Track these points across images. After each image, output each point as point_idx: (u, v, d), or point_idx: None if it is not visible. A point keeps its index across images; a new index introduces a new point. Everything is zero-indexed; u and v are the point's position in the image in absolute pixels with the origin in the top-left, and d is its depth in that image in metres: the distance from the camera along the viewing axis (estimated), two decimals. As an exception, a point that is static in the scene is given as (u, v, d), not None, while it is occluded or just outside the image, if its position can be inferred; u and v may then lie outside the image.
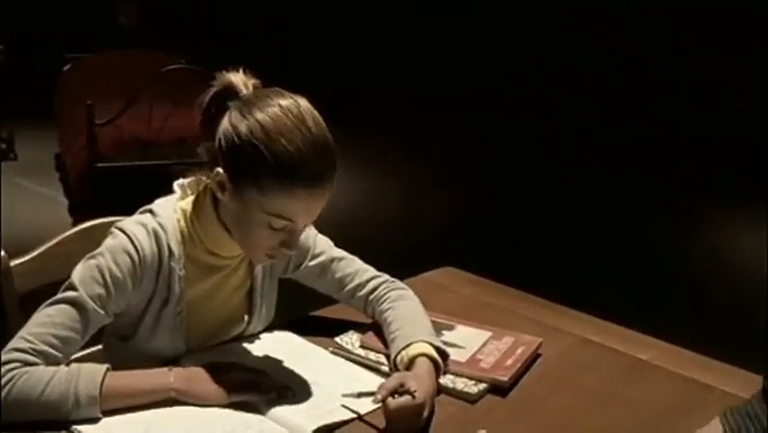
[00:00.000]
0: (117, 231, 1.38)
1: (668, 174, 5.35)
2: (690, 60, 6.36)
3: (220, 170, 1.31)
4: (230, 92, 1.33)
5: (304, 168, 1.27)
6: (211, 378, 1.33)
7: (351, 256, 1.60)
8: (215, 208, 1.38)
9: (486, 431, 1.26)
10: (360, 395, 1.36)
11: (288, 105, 1.29)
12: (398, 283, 1.59)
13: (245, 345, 1.53)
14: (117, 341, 1.45)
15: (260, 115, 1.28)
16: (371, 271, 1.60)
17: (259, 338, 1.55)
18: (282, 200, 1.28)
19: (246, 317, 1.53)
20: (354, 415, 1.32)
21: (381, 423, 1.29)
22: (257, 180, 1.28)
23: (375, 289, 1.57)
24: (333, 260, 1.58)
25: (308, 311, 1.70)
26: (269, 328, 1.58)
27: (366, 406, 1.34)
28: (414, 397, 1.27)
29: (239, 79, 1.35)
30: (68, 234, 1.68)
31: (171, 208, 1.42)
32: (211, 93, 1.35)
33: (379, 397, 1.27)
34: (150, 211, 1.42)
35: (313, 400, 1.35)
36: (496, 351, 1.50)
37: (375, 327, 1.56)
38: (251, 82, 1.36)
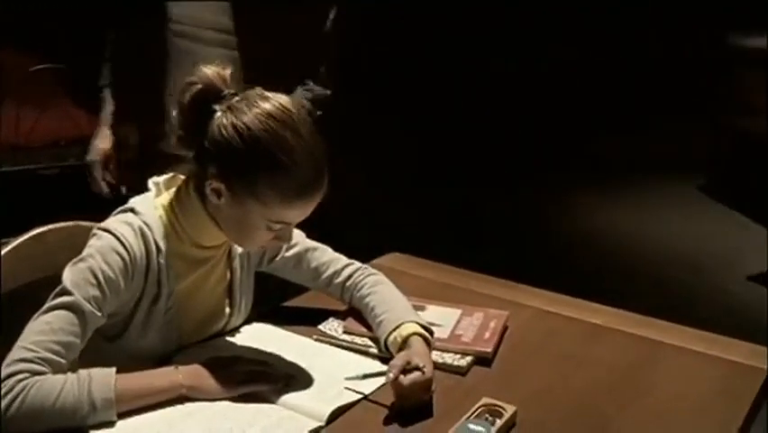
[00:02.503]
0: (102, 232, 1.37)
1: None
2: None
3: (215, 179, 1.33)
4: (212, 91, 1.34)
5: (304, 180, 1.31)
6: (218, 372, 1.34)
7: (323, 246, 1.65)
8: (202, 200, 1.39)
9: (490, 399, 1.35)
10: (365, 377, 1.41)
11: (281, 115, 1.31)
12: (371, 269, 1.65)
13: (230, 339, 1.54)
14: (102, 342, 1.42)
15: (255, 128, 1.29)
16: (344, 258, 1.65)
17: (240, 332, 1.57)
18: (283, 210, 1.33)
19: (227, 311, 1.54)
20: (360, 396, 1.38)
21: (387, 401, 1.35)
22: (257, 194, 1.31)
23: (351, 276, 1.62)
24: (307, 250, 1.62)
25: (274, 303, 1.73)
26: (246, 322, 1.60)
27: (369, 386, 1.40)
28: (423, 372, 1.34)
29: (217, 75, 1.35)
30: (20, 241, 1.63)
31: (152, 205, 1.42)
32: (193, 92, 1.34)
33: (391, 375, 1.33)
34: (132, 210, 1.40)
35: (316, 387, 1.39)
36: (471, 326, 1.60)
37: (353, 313, 1.61)
38: (228, 74, 1.37)
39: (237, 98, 1.34)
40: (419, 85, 6.22)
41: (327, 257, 1.64)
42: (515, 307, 1.73)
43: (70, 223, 1.73)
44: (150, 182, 1.47)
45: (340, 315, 1.63)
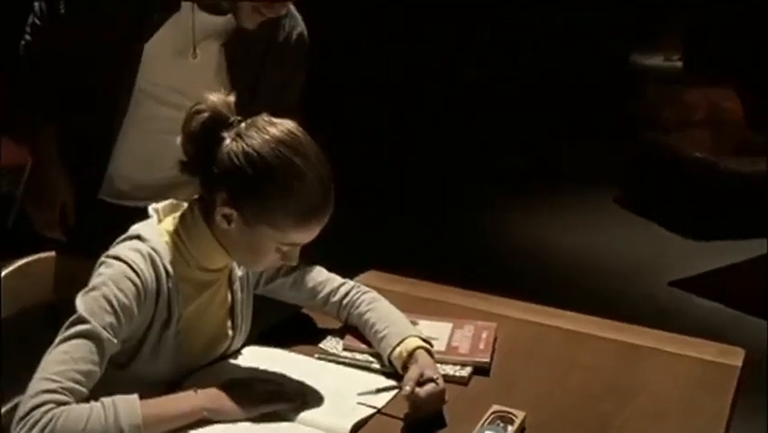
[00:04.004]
0: (112, 260, 1.37)
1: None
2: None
3: (226, 206, 1.35)
4: (219, 118, 1.37)
5: (315, 203, 1.35)
6: (237, 394, 1.36)
7: (317, 266, 1.68)
8: (208, 225, 1.41)
9: (499, 406, 1.41)
10: (378, 391, 1.46)
11: (290, 141, 1.35)
12: (365, 287, 1.69)
13: (234, 361, 1.56)
14: (111, 370, 1.41)
15: (266, 154, 1.33)
16: (338, 277, 1.70)
17: (242, 354, 1.59)
18: (296, 234, 1.37)
19: (230, 333, 1.56)
20: (374, 409, 1.42)
21: (399, 413, 1.41)
22: (270, 220, 1.34)
23: (347, 294, 1.66)
24: (303, 271, 1.65)
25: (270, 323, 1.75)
26: (245, 343, 1.61)
27: (381, 400, 1.45)
28: (437, 384, 1.40)
29: (224, 103, 1.39)
30: (4, 273, 1.62)
31: (157, 232, 1.43)
32: (201, 119, 1.37)
33: (408, 388, 1.38)
34: (138, 237, 1.41)
35: (330, 403, 1.42)
36: (465, 338, 1.66)
37: (350, 330, 1.65)
38: (232, 101, 1.40)
39: (244, 125, 1.37)
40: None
41: (323, 277, 1.67)
42: (493, 317, 1.79)
43: (50, 253, 1.73)
44: (151, 209, 1.48)
45: (337, 332, 1.67)
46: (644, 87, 5.82)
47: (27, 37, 1.86)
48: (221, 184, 1.36)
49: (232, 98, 1.40)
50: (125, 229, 1.46)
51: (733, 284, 4.29)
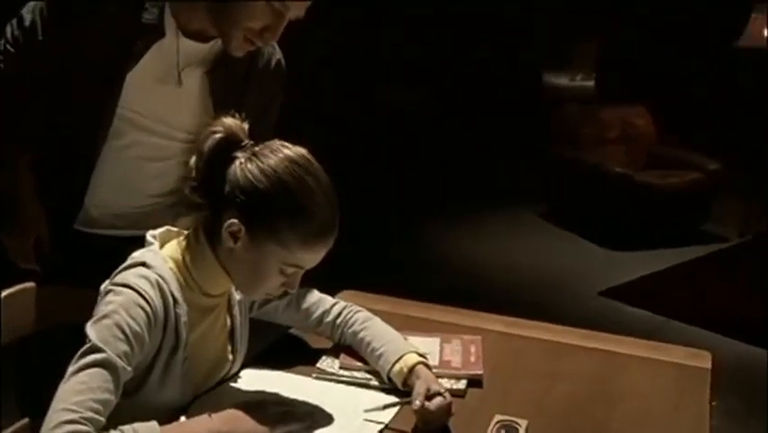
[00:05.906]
0: (120, 287, 1.36)
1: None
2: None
3: (235, 221, 1.37)
4: (233, 140, 1.39)
5: (325, 225, 1.38)
6: (251, 416, 1.37)
7: (309, 288, 1.70)
8: (213, 250, 1.42)
9: (502, 415, 1.47)
10: (385, 407, 1.49)
11: (304, 162, 1.39)
12: (356, 306, 1.72)
13: (235, 385, 1.57)
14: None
15: (281, 172, 1.36)
16: (329, 297, 1.72)
17: (241, 377, 1.59)
18: (302, 254, 1.39)
19: (230, 357, 1.56)
20: (382, 425, 1.46)
21: (407, 427, 1.45)
22: (279, 238, 1.36)
23: (340, 313, 1.69)
24: (296, 293, 1.67)
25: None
26: (241, 367, 1.62)
27: (387, 416, 1.48)
28: (444, 397, 1.45)
29: (238, 126, 1.41)
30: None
31: (161, 258, 1.43)
32: (216, 139, 1.39)
33: (418, 403, 1.42)
34: (144, 264, 1.41)
35: (339, 422, 1.45)
36: (455, 352, 1.71)
37: (344, 349, 1.68)
38: (246, 126, 1.43)
39: (258, 147, 1.39)
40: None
41: (315, 297, 1.70)
42: (473, 331, 1.85)
43: (30, 284, 1.70)
44: (149, 236, 1.48)
45: (331, 352, 1.69)
46: (560, 107, 6.04)
47: None
48: (231, 202, 1.37)
49: (246, 124, 1.42)
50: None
51: (658, 291, 4.50)
